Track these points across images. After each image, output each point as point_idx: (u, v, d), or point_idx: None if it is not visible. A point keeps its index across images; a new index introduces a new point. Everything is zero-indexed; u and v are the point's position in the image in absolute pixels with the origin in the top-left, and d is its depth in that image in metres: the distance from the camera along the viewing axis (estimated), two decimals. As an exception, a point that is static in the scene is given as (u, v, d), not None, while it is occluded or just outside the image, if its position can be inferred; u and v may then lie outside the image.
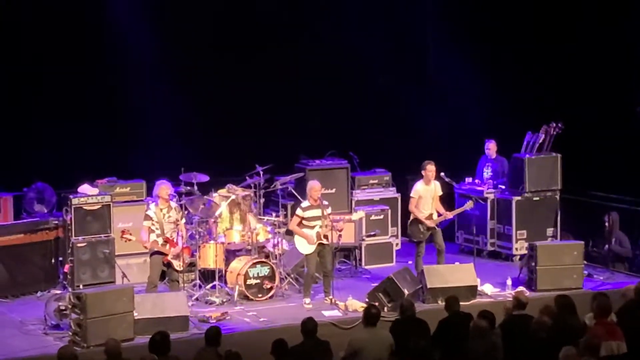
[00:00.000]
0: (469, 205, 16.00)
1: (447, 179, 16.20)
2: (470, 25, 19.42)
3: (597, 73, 18.27)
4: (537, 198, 17.36)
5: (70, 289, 14.66)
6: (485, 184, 17.75)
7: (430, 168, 15.70)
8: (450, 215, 16.00)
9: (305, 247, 14.87)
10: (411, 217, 15.88)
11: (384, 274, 15.20)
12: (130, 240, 14.56)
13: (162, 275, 14.83)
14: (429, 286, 14.77)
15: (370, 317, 12.02)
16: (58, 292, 14.76)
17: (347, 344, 11.80)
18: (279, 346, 11.23)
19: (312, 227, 14.81)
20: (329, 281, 14.94)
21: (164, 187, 14.67)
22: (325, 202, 15.01)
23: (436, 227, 15.77)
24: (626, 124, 17.79)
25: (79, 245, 15.40)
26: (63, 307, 13.50)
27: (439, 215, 15.77)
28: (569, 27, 18.62)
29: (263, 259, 15.32)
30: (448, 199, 16.86)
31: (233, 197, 15.76)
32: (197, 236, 15.34)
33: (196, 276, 15.36)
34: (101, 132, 17.64)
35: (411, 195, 15.86)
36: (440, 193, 15.92)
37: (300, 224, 14.85)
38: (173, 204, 14.77)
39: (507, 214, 17.36)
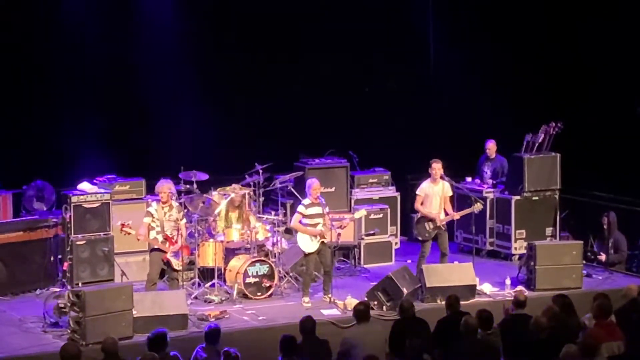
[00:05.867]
0: (477, 207, 15.83)
1: (446, 179, 16.15)
2: (471, 24, 19.41)
3: (597, 72, 18.29)
4: (537, 198, 17.34)
5: (69, 287, 14.66)
6: (485, 184, 17.75)
7: (435, 166, 15.55)
8: (457, 216, 15.86)
9: (307, 245, 14.82)
10: (418, 216, 15.81)
11: (383, 273, 15.19)
12: (129, 233, 14.55)
13: (162, 274, 14.82)
14: (428, 285, 14.77)
15: (359, 313, 12.11)
16: (57, 290, 14.76)
17: (341, 341, 11.83)
18: (287, 342, 11.16)
19: (315, 226, 14.79)
20: (329, 280, 14.93)
21: (165, 186, 14.65)
22: (323, 201, 15.01)
23: (442, 229, 15.62)
24: (626, 123, 17.80)
25: (78, 243, 15.39)
26: (62, 305, 13.50)
27: (446, 215, 15.72)
28: (570, 26, 18.63)
29: (262, 258, 15.31)
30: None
31: (232, 195, 15.75)
32: (196, 234, 15.34)
33: (195, 274, 15.37)
34: (101, 130, 17.61)
35: (416, 193, 15.77)
36: (450, 194, 15.75)
37: (301, 222, 14.84)
38: (174, 203, 14.76)
39: (507, 214, 17.33)
